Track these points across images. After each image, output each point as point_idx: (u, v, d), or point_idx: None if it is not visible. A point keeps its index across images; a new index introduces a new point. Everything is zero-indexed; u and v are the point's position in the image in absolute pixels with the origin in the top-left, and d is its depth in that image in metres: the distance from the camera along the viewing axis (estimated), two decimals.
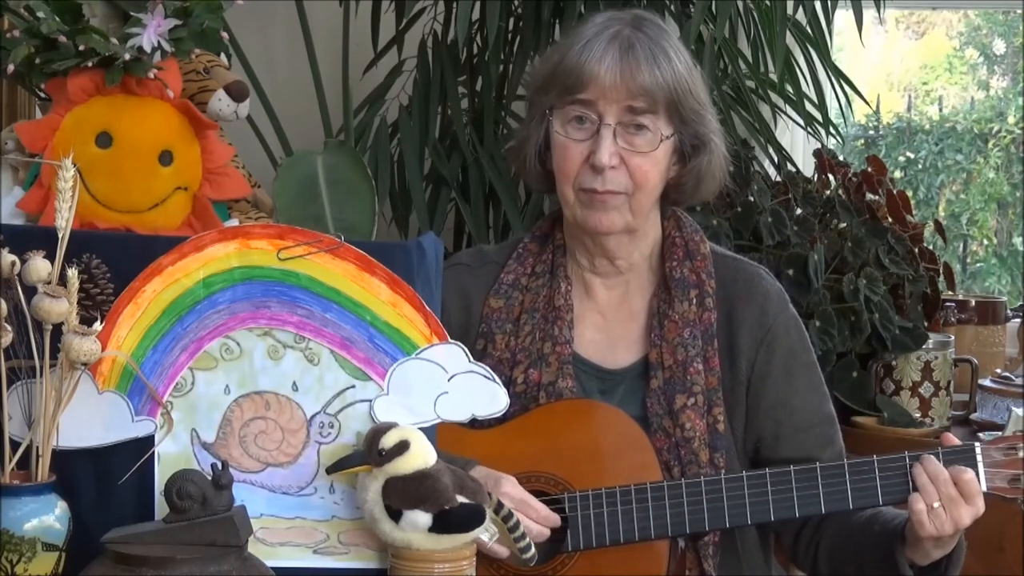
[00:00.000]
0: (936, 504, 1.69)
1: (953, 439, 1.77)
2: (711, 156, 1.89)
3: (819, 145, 3.02)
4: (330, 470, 1.52)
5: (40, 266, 1.43)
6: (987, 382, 2.82)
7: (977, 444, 1.74)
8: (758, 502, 1.76)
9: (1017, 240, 5.00)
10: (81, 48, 1.63)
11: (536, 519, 1.72)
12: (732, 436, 1.87)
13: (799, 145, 3.44)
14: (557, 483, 1.79)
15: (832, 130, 3.03)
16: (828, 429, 1.92)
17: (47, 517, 1.42)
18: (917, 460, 1.73)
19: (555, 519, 1.75)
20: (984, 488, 1.72)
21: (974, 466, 1.72)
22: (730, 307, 1.90)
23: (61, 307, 1.42)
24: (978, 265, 5.04)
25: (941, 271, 2.95)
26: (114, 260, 1.53)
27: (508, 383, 1.85)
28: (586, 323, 1.93)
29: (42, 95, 1.86)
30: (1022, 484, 1.73)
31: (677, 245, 1.93)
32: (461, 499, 1.49)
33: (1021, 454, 1.73)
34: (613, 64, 1.81)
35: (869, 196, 2.89)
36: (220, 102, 1.84)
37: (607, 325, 1.94)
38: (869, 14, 3.00)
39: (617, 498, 1.77)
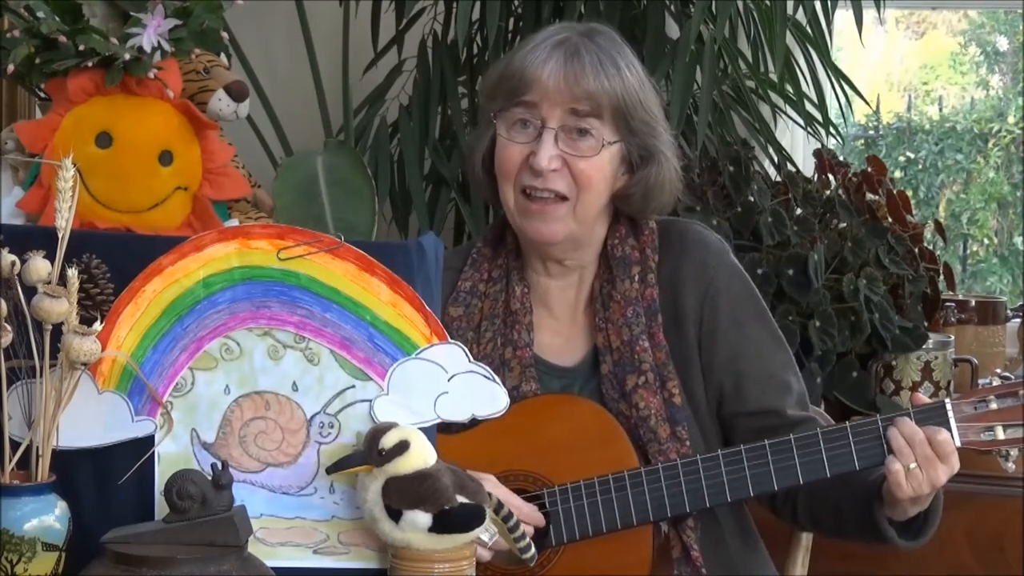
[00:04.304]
0: (913, 465, 1.70)
1: (923, 398, 1.78)
2: (660, 169, 1.88)
3: (819, 145, 3.01)
4: (330, 470, 1.52)
5: (40, 266, 1.43)
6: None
7: (947, 400, 1.75)
8: (736, 479, 1.77)
9: (1018, 240, 5.00)
10: (81, 48, 1.64)
11: (520, 518, 1.72)
12: (692, 405, 1.87)
13: (799, 145, 3.44)
14: (536, 480, 1.80)
15: (832, 130, 3.03)
16: (786, 375, 1.91)
17: (47, 517, 1.42)
18: (890, 423, 1.74)
19: (539, 518, 1.75)
20: (958, 443, 1.73)
21: (946, 423, 1.73)
22: (670, 269, 1.90)
23: (61, 307, 1.42)
24: (978, 265, 5.04)
25: (941, 271, 2.95)
26: (114, 260, 1.53)
27: None
28: (543, 328, 1.94)
29: (42, 95, 1.86)
30: (996, 436, 1.74)
31: (621, 223, 1.92)
32: (461, 499, 1.49)
33: (992, 406, 1.74)
34: (557, 68, 1.82)
35: (869, 196, 2.89)
36: (220, 102, 1.85)
37: (562, 326, 1.95)
38: (869, 14, 2.99)
39: (596, 488, 1.77)
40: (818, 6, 2.84)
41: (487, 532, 1.55)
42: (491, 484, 1.72)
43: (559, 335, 1.94)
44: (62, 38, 1.64)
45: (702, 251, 1.91)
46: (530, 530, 1.73)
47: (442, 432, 1.61)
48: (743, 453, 1.77)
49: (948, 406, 1.74)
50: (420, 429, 1.52)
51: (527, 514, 1.74)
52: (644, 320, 1.86)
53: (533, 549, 1.60)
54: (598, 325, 1.90)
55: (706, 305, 1.88)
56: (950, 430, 1.73)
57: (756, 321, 1.91)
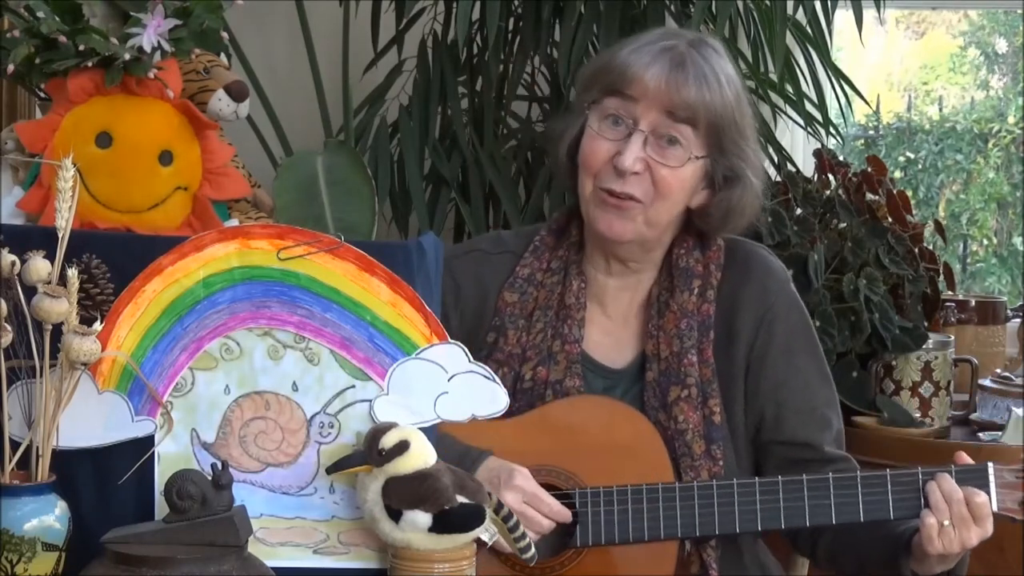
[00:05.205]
0: (947, 522, 1.70)
1: (966, 458, 1.77)
2: (743, 192, 1.88)
3: (819, 145, 3.01)
4: (330, 470, 1.52)
5: (40, 266, 1.43)
6: (987, 382, 2.82)
7: (990, 464, 1.74)
8: (769, 509, 1.76)
9: (1017, 240, 5.00)
10: (81, 48, 1.64)
11: (548, 513, 1.72)
12: (730, 426, 1.87)
13: (799, 145, 3.44)
14: (568, 477, 1.80)
15: (832, 130, 3.03)
16: (828, 412, 1.91)
17: (47, 517, 1.42)
18: (931, 477, 1.73)
19: (566, 515, 1.75)
20: (995, 508, 1.72)
21: (986, 486, 1.73)
22: (731, 287, 1.90)
23: (61, 307, 1.42)
24: (978, 265, 5.04)
25: (941, 271, 2.95)
26: (114, 260, 1.53)
27: (516, 379, 1.86)
28: (594, 325, 1.93)
29: (42, 95, 1.86)
30: None
31: (690, 234, 1.92)
32: (461, 499, 1.49)
33: None
34: (660, 72, 1.81)
35: (869, 196, 2.89)
36: (220, 102, 1.85)
37: (614, 327, 1.94)
38: (869, 14, 2.99)
39: (628, 497, 1.77)
40: (818, 6, 2.84)
41: (487, 532, 1.55)
42: (522, 477, 1.73)
43: (610, 335, 1.94)
44: (62, 38, 1.64)
45: (765, 275, 1.91)
46: (550, 524, 1.73)
47: None
48: (780, 484, 1.76)
49: (990, 470, 1.74)
50: (420, 429, 1.52)
51: (556, 512, 1.74)
52: (696, 334, 1.86)
53: (533, 549, 1.60)
54: (650, 332, 1.89)
55: (761, 329, 1.88)
56: (989, 494, 1.72)
57: (807, 353, 1.91)
